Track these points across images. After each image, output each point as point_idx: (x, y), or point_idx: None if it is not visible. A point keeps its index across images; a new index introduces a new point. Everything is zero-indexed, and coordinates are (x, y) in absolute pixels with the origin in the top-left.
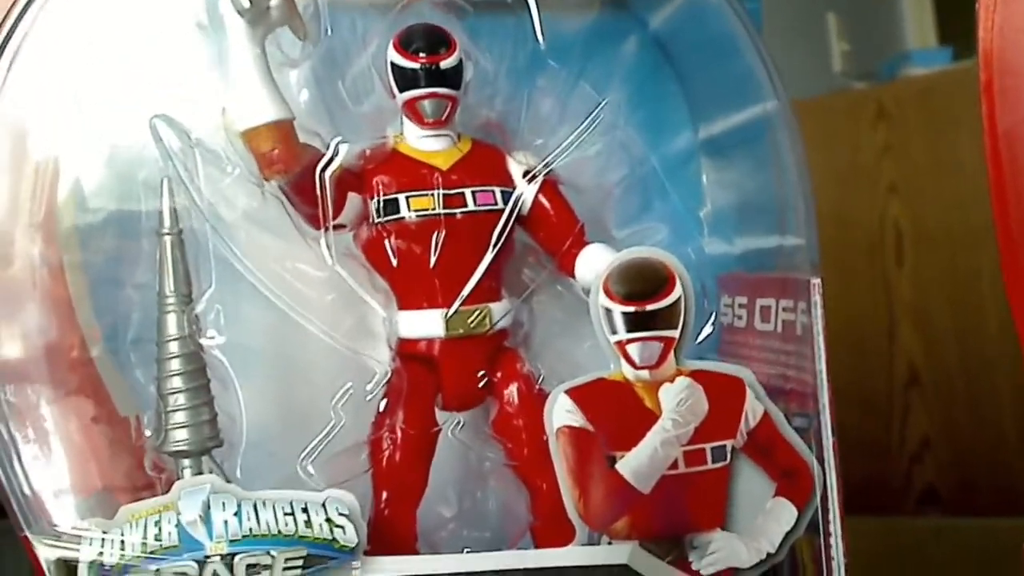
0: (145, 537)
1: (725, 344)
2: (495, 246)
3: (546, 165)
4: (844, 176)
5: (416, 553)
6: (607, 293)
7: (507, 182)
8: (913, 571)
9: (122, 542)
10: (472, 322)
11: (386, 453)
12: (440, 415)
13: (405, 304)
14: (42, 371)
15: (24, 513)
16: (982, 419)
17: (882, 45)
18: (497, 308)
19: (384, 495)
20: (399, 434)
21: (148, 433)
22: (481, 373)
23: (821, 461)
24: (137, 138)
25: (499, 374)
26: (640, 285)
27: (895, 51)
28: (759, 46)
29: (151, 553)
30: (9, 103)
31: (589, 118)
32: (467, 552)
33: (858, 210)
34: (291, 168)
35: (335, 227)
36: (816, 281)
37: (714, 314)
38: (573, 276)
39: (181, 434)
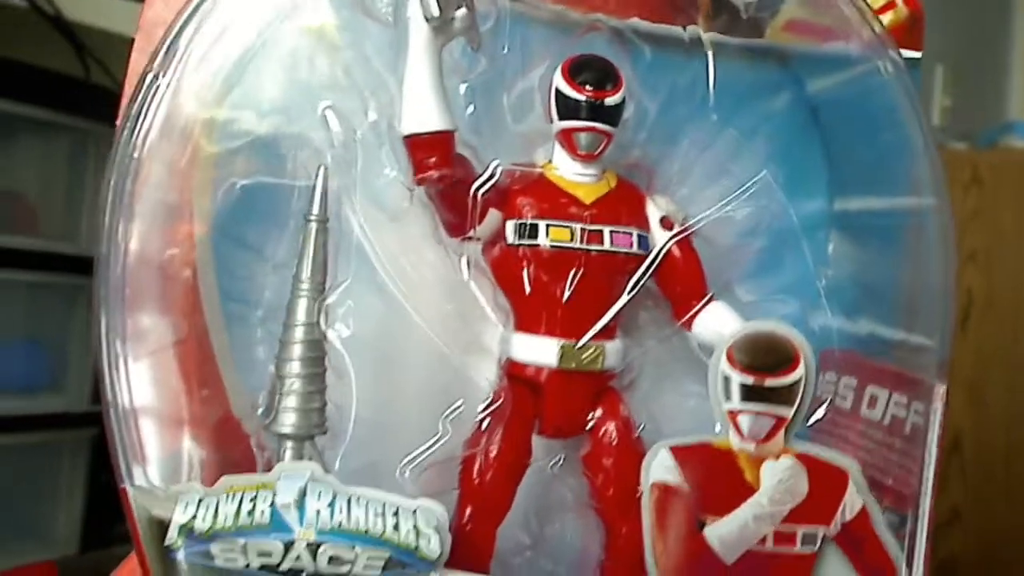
0: (239, 511)
1: (823, 422)
2: (630, 293)
3: (689, 225)
4: None
5: (488, 572)
6: (729, 360)
7: (644, 225)
8: None
9: (216, 511)
10: (586, 358)
11: (477, 471)
12: (537, 443)
13: (522, 327)
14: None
15: (126, 458)
16: (1015, 501)
17: (985, 109)
18: (611, 348)
19: (468, 510)
20: (494, 454)
21: (259, 411)
22: (590, 416)
23: (910, 565)
24: (305, 119)
25: (599, 411)
26: (764, 358)
27: (997, 118)
28: (929, 142)
29: (242, 527)
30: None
31: (743, 189)
32: None
33: None
34: (444, 178)
35: (468, 239)
36: (942, 388)
37: (829, 400)
38: (689, 328)
39: (290, 417)
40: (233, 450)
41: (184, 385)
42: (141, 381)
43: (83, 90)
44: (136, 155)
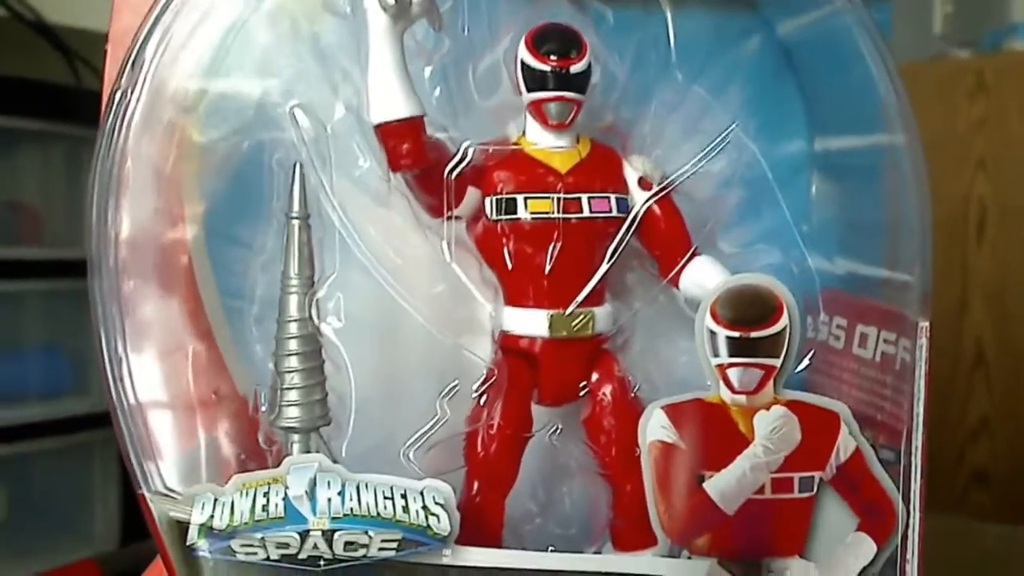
0: (253, 506)
1: (818, 362)
2: (611, 259)
3: (666, 183)
4: (933, 147)
5: (502, 543)
6: (713, 316)
7: (622, 188)
8: None
9: (232, 509)
10: (576, 325)
11: (481, 446)
12: (536, 411)
13: (511, 300)
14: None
15: (140, 461)
16: None
17: (988, 13)
18: (601, 313)
19: (476, 485)
20: (495, 427)
21: (263, 408)
22: (582, 384)
23: (907, 500)
24: (274, 121)
25: (595, 376)
26: (747, 311)
27: (1001, 21)
28: (894, 79)
29: (258, 522)
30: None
31: (716, 142)
32: (551, 550)
33: (943, 183)
34: (419, 163)
35: (450, 218)
36: (924, 324)
37: (813, 351)
38: (677, 285)
39: (293, 411)
40: (249, 439)
41: (194, 381)
42: (150, 380)
43: (75, 97)
44: (116, 167)
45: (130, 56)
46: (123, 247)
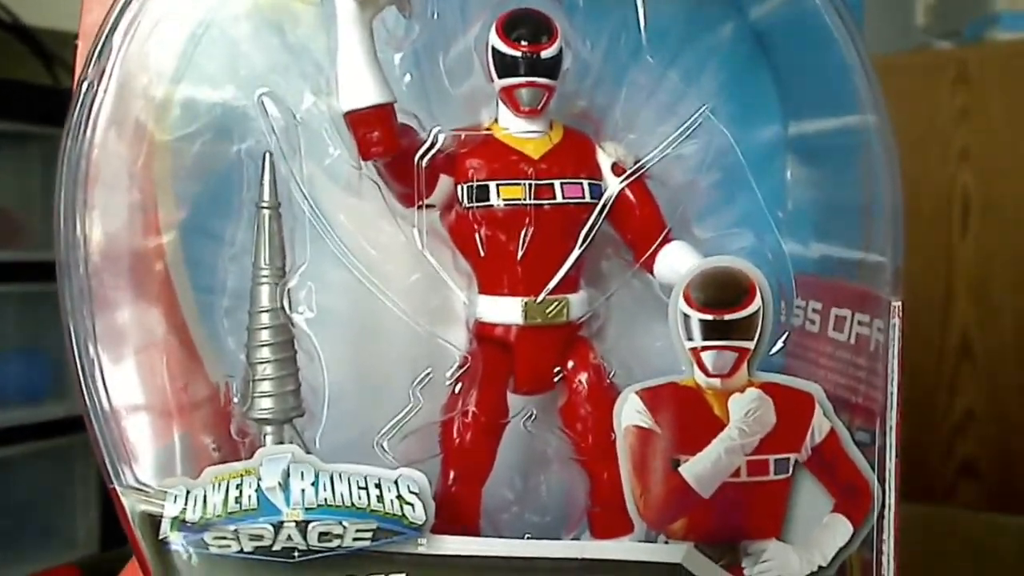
0: (226, 498)
1: (795, 347)
2: (583, 244)
3: (638, 166)
4: (916, 139)
5: (479, 531)
6: (686, 299)
7: (595, 174)
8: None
9: (204, 501)
10: (551, 312)
11: (456, 434)
12: (512, 399)
13: (485, 288)
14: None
15: (112, 459)
16: None
17: (970, 3)
18: (575, 300)
19: (452, 474)
20: (470, 415)
21: (235, 399)
22: (557, 369)
23: (882, 481)
24: (243, 112)
25: (571, 363)
26: (720, 294)
27: (983, 12)
28: (863, 59)
29: (231, 514)
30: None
31: (687, 124)
32: (528, 538)
33: (926, 175)
34: (389, 151)
35: (424, 207)
36: (897, 304)
37: (788, 333)
38: (652, 272)
39: (266, 403)
40: (222, 431)
41: (169, 378)
42: (124, 381)
43: (51, 98)
44: (84, 163)
45: (97, 45)
46: (94, 246)
